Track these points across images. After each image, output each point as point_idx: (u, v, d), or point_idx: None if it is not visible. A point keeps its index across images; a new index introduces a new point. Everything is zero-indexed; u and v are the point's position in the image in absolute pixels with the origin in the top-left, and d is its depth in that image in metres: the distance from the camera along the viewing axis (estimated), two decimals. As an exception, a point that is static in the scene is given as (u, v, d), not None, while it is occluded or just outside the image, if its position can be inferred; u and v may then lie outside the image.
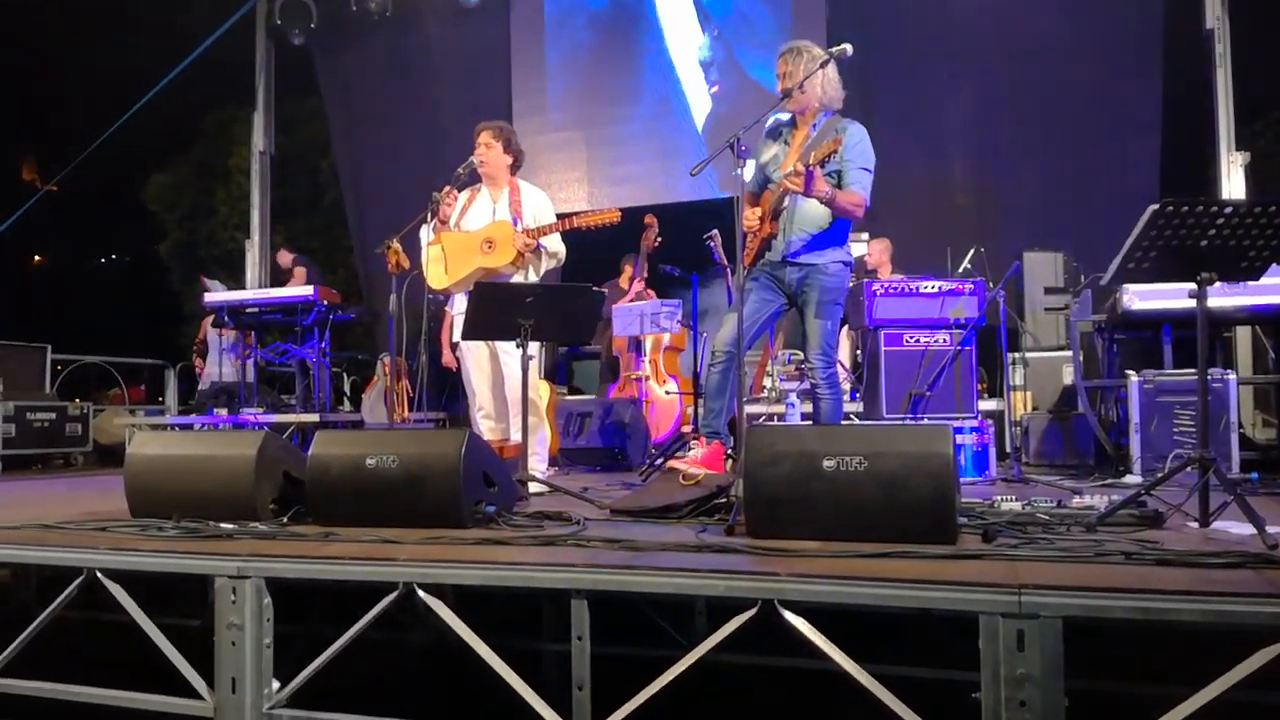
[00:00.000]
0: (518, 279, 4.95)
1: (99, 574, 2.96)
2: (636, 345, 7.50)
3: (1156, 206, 2.96)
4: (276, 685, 2.81)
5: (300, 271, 9.20)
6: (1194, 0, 7.81)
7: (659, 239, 7.66)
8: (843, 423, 4.77)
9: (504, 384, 4.98)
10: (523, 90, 10.18)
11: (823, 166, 4.06)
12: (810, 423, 4.78)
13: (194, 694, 2.82)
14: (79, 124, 11.51)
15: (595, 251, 8.41)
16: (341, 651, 2.75)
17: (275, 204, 11.09)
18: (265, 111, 10.77)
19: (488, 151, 5.02)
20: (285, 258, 9.45)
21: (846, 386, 6.79)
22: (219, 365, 9.11)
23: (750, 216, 4.37)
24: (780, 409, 6.61)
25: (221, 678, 2.79)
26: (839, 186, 4.22)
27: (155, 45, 10.76)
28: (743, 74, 9.36)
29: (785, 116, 4.52)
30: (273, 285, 9.76)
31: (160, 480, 3.57)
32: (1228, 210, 2.96)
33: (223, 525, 3.31)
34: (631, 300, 7.79)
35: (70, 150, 10.51)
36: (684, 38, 9.66)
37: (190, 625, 3.32)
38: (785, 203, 4.28)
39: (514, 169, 5.13)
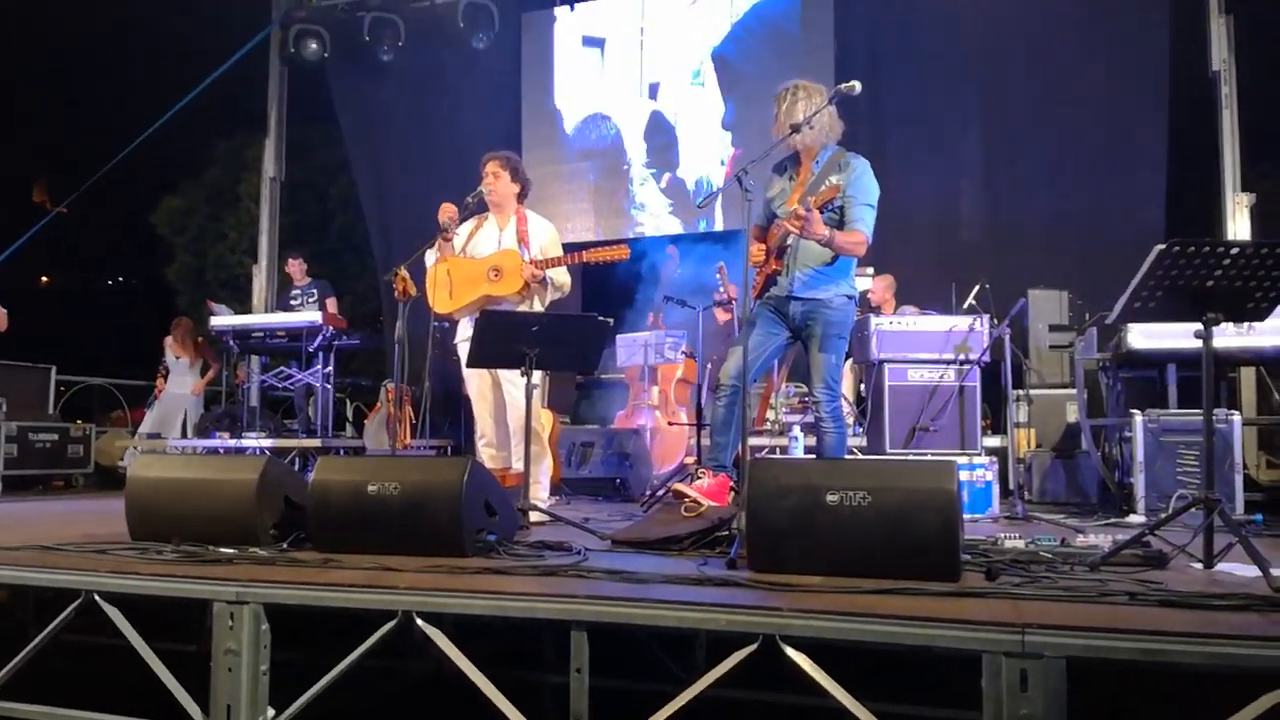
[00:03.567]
0: (522, 309, 4.95)
1: (97, 597, 2.94)
2: (650, 374, 7.51)
3: (1163, 246, 2.97)
4: (272, 713, 2.78)
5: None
6: (1200, 42, 7.86)
7: (679, 270, 7.69)
8: (846, 457, 4.75)
9: (506, 412, 4.97)
10: (532, 120, 10.27)
11: (822, 211, 4.08)
12: (814, 456, 4.76)
13: (189, 720, 2.80)
14: (91, 147, 11.60)
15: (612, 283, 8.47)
16: (338, 679, 2.73)
17: (283, 230, 11.14)
18: (277, 138, 10.85)
19: (495, 181, 5.04)
20: (297, 267, 9.18)
21: (850, 421, 6.78)
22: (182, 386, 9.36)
23: (756, 252, 4.38)
24: (783, 442, 6.60)
25: (217, 704, 2.77)
26: (841, 222, 4.23)
27: (168, 70, 10.88)
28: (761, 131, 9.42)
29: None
30: (279, 297, 9.74)
31: (161, 503, 3.57)
32: (1234, 251, 2.96)
33: (222, 550, 3.30)
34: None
35: (81, 173, 10.60)
36: (689, 76, 9.75)
37: (187, 650, 3.30)
38: (789, 240, 4.29)
39: (521, 198, 5.16)
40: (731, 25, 9.60)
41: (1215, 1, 7.80)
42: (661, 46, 9.89)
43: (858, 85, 3.94)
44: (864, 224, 4.24)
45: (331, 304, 8.80)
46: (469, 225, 5.12)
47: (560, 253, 5.04)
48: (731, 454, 4.34)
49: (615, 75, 10.08)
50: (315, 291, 8.91)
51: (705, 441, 5.62)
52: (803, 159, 4.43)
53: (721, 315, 7.55)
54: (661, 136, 9.84)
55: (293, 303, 8.89)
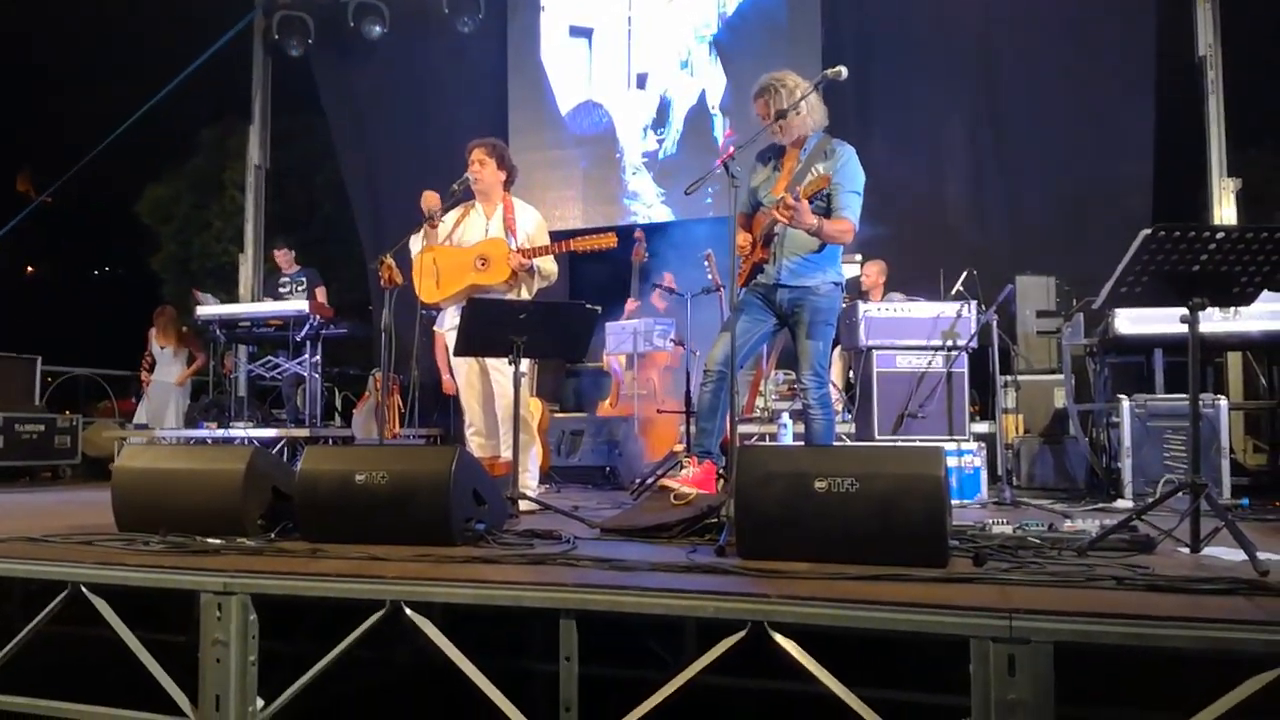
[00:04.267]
0: (509, 298, 4.94)
1: (84, 588, 2.93)
2: (634, 363, 7.50)
3: (1149, 231, 2.97)
4: (261, 703, 2.78)
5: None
6: (1185, 28, 7.88)
7: (647, 254, 7.68)
8: (835, 443, 4.75)
9: (494, 401, 4.96)
10: (519, 106, 10.21)
11: (811, 200, 4.08)
12: (803, 443, 4.76)
13: (177, 711, 2.79)
14: (75, 136, 11.53)
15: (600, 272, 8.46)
16: (327, 669, 2.72)
17: (269, 218, 11.08)
18: (261, 126, 10.79)
19: (481, 169, 5.02)
20: (284, 257, 9.10)
21: (839, 407, 6.78)
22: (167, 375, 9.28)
23: (742, 241, 4.38)
24: (773, 429, 6.60)
25: (205, 695, 2.76)
26: (828, 210, 4.23)
27: (152, 59, 10.81)
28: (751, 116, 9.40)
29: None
30: (266, 285, 9.66)
31: (148, 494, 3.55)
32: (1220, 236, 2.96)
33: (209, 540, 3.29)
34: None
35: (65, 162, 10.53)
36: (679, 58, 9.73)
37: (175, 641, 3.29)
38: (776, 228, 4.28)
39: (507, 185, 5.14)
40: (719, 13, 9.57)
41: (1200, -13, 7.81)
42: (649, 36, 9.84)
43: (844, 70, 3.94)
44: (851, 212, 4.24)
45: (320, 293, 8.75)
46: (455, 213, 5.10)
47: (547, 240, 5.03)
48: (717, 440, 4.34)
49: (604, 64, 10.03)
50: (304, 279, 8.86)
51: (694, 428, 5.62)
52: (788, 147, 4.42)
53: (630, 306, 7.66)
54: (651, 125, 9.80)
55: (281, 290, 8.84)
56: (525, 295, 5.02)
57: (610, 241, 4.90)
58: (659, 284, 7.53)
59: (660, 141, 9.77)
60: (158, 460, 3.71)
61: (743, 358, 4.48)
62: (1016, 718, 2.12)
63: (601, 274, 8.49)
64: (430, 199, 4.93)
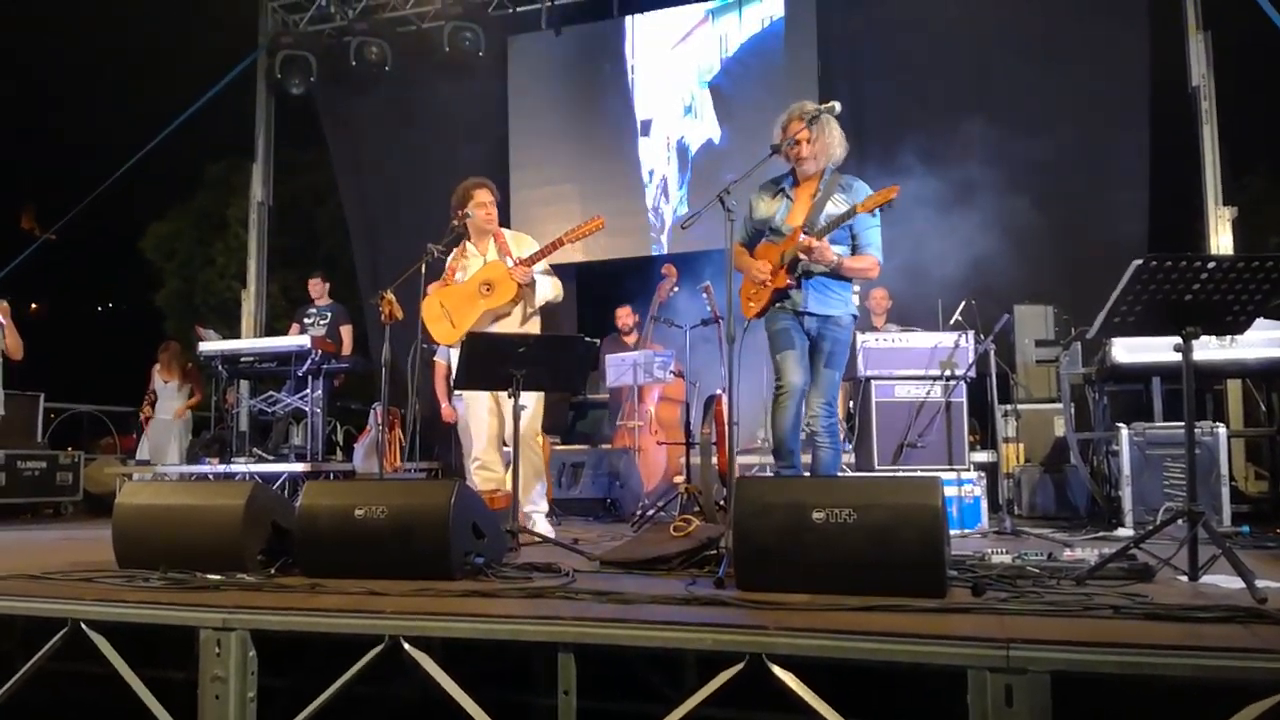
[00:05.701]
0: (517, 313, 4.97)
1: (83, 625, 2.93)
2: (637, 395, 7.50)
3: (1141, 261, 2.99)
4: (260, 740, 2.77)
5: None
6: (1179, 58, 7.95)
7: (675, 289, 7.69)
8: (837, 474, 4.76)
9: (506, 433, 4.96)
10: (519, 143, 10.29)
11: (836, 229, 4.16)
12: (807, 473, 4.76)
13: (176, 748, 2.78)
14: (79, 173, 11.62)
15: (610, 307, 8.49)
16: (326, 705, 2.72)
17: (271, 253, 11.14)
18: (264, 163, 10.88)
19: (492, 209, 5.09)
20: (317, 287, 9.12)
21: (840, 436, 6.78)
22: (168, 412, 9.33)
23: (763, 268, 4.38)
24: (772, 459, 6.59)
25: (204, 732, 2.76)
26: (855, 245, 4.29)
27: (156, 96, 10.93)
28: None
29: (784, 170, 4.55)
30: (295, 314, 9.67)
31: (148, 530, 3.56)
32: (1211, 265, 2.98)
33: (209, 576, 3.29)
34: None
35: (70, 199, 10.61)
36: (679, 104, 9.82)
37: (175, 678, 3.28)
38: (802, 257, 4.30)
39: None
40: (721, 57, 9.67)
41: (1193, 18, 7.90)
42: (653, 82, 9.95)
43: (837, 105, 4.00)
44: (876, 249, 4.37)
45: (346, 331, 8.73)
46: (449, 259, 5.13)
47: (538, 247, 5.05)
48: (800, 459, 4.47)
49: (608, 110, 10.12)
50: (329, 314, 8.85)
51: (695, 460, 5.62)
52: (803, 179, 4.46)
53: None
54: (656, 168, 9.87)
55: (306, 321, 8.84)
56: (531, 309, 5.03)
57: (598, 224, 4.97)
58: (656, 317, 7.56)
59: (664, 183, 9.82)
60: (158, 496, 3.72)
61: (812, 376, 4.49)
62: (1015, 748, 2.12)
63: (611, 307, 8.51)
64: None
